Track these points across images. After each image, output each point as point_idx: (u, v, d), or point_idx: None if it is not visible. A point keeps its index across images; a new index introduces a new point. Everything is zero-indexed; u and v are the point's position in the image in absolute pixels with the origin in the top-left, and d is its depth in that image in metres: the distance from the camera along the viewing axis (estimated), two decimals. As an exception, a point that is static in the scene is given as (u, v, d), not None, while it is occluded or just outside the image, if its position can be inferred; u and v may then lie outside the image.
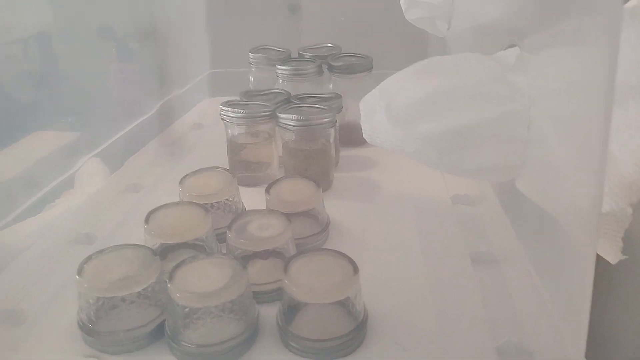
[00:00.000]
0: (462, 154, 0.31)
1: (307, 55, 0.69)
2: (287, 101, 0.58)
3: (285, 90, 0.60)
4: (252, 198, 0.50)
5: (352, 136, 0.65)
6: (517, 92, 0.28)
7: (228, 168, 0.56)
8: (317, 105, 0.53)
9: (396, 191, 0.55)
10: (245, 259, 0.38)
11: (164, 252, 0.40)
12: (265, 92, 0.61)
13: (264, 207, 0.48)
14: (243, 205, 0.49)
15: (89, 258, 0.34)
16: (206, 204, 0.43)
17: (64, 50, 0.58)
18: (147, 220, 0.39)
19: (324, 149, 0.52)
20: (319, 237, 0.44)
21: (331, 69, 0.66)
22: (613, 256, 0.28)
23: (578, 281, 0.23)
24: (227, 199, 0.45)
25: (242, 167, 0.55)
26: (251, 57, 0.69)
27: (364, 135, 0.35)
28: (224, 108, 0.53)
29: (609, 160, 0.23)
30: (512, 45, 0.33)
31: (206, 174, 0.47)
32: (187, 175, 0.47)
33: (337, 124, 0.55)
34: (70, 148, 0.59)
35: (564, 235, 0.27)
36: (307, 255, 0.35)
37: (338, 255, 0.34)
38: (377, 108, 0.33)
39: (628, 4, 0.29)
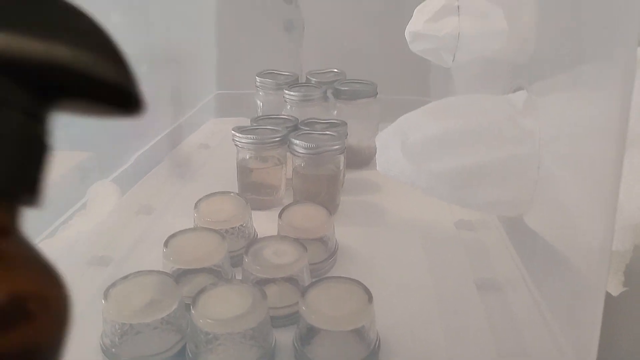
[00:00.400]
0: (473, 191, 0.32)
1: (313, 80, 0.71)
2: (295, 127, 0.59)
3: (293, 117, 0.62)
4: (262, 221, 0.51)
5: (356, 159, 0.67)
6: (528, 135, 0.30)
7: (237, 191, 0.58)
8: (327, 132, 0.55)
9: (401, 216, 0.57)
10: (260, 283, 0.40)
11: (180, 276, 0.41)
12: (274, 117, 0.63)
13: (273, 231, 0.49)
14: (255, 230, 0.50)
15: (113, 285, 0.35)
16: (221, 229, 0.45)
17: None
18: (166, 244, 0.40)
19: (333, 174, 0.54)
20: (327, 263, 0.46)
21: (337, 94, 0.68)
22: (615, 288, 0.29)
23: (588, 314, 0.25)
24: (241, 225, 0.47)
25: (252, 189, 0.57)
26: (258, 81, 0.71)
27: (378, 168, 0.36)
28: (236, 134, 0.55)
29: (615, 203, 0.25)
30: (520, 88, 0.35)
31: (220, 199, 0.48)
32: (201, 199, 0.48)
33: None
34: (82, 169, 0.61)
35: (573, 270, 0.28)
36: (323, 282, 0.36)
37: (353, 283, 0.36)
38: (392, 144, 0.35)
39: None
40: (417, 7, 0.60)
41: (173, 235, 0.41)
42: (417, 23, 0.58)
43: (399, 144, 0.34)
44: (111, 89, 0.13)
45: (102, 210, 0.55)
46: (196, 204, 0.47)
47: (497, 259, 0.48)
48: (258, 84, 0.71)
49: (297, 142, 0.52)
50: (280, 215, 0.46)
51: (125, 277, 0.36)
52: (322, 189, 0.54)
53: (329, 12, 0.87)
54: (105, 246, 0.50)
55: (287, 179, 0.58)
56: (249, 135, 0.54)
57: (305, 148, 0.52)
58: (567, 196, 0.27)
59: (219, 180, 0.65)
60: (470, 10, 0.55)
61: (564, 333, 0.29)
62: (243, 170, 0.56)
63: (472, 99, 0.33)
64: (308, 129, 0.58)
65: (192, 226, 0.47)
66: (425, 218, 0.56)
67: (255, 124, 0.60)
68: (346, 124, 0.61)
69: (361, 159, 0.70)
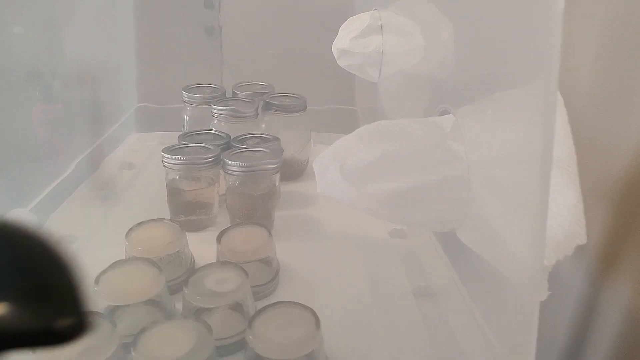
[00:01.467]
0: (409, 211, 0.34)
1: (241, 94, 0.70)
2: (227, 144, 0.58)
3: (224, 133, 0.61)
4: (197, 244, 0.50)
5: (288, 171, 0.67)
6: (456, 158, 0.32)
7: (169, 212, 0.56)
8: (260, 149, 0.55)
9: (336, 228, 0.58)
10: (202, 313, 0.39)
11: (115, 313, 0.39)
12: (203, 133, 0.62)
13: (210, 254, 0.48)
14: (191, 255, 0.49)
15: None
16: (156, 257, 0.43)
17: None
18: (97, 281, 0.38)
19: (269, 192, 0.53)
20: (271, 285, 0.46)
21: (267, 107, 0.68)
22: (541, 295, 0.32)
23: (524, 324, 0.27)
24: (177, 251, 0.45)
25: (184, 211, 0.55)
26: (185, 95, 0.69)
27: (318, 190, 0.37)
28: (165, 155, 0.53)
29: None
30: (446, 112, 0.37)
31: (152, 226, 0.46)
32: (132, 227, 0.46)
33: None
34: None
35: (505, 282, 0.31)
36: (270, 309, 0.36)
37: (300, 308, 0.36)
38: (331, 168, 0.35)
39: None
40: (342, 25, 0.61)
41: (104, 271, 0.39)
42: (343, 40, 0.60)
43: (338, 167, 0.35)
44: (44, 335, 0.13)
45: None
46: (127, 233, 0.45)
47: (430, 267, 0.50)
48: (185, 98, 0.69)
49: (231, 162, 0.51)
50: (218, 240, 0.45)
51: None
52: (258, 208, 0.53)
53: (249, 19, 0.87)
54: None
55: (220, 195, 0.57)
56: (179, 156, 0.52)
57: (240, 167, 0.51)
58: (497, 216, 0.29)
59: (147, 202, 0.62)
60: (392, 28, 0.58)
61: (499, 341, 0.32)
62: (174, 192, 0.55)
63: (404, 123, 0.35)
64: (241, 146, 0.57)
65: (123, 256, 0.45)
66: (360, 229, 0.58)
67: (184, 142, 0.58)
68: (279, 139, 0.61)
69: (294, 171, 0.70)
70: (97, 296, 0.38)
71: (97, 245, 0.52)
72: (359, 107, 0.85)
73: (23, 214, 0.53)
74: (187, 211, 0.55)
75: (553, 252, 0.27)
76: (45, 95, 0.60)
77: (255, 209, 0.53)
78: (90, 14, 0.71)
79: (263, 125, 0.69)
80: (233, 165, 0.51)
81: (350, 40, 0.59)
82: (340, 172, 0.35)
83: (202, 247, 0.50)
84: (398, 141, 0.34)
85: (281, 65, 0.87)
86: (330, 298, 0.45)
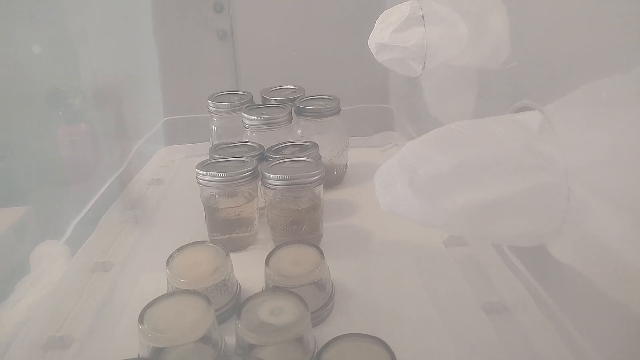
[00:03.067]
0: (495, 226, 0.29)
1: (271, 99, 0.66)
2: (262, 155, 0.54)
3: (257, 144, 0.57)
4: (242, 266, 0.46)
5: (326, 178, 0.63)
6: (550, 163, 0.28)
7: (207, 230, 0.52)
8: (301, 159, 0.51)
9: (385, 237, 0.53)
10: (257, 349, 0.35)
11: (162, 354, 0.35)
12: (236, 145, 0.58)
13: (255, 277, 0.44)
14: (237, 280, 0.45)
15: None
16: (202, 289, 0.39)
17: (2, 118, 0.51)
18: (141, 320, 0.34)
19: (314, 205, 0.49)
20: (326, 309, 0.41)
21: (300, 113, 0.63)
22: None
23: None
24: (224, 279, 0.41)
25: (222, 229, 0.51)
26: (211, 105, 0.65)
27: (382, 207, 0.32)
28: (200, 171, 0.49)
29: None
30: (527, 108, 0.32)
31: (194, 251, 0.43)
32: (172, 254, 0.42)
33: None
34: (19, 227, 0.52)
35: (614, 303, 0.26)
36: (337, 344, 0.32)
37: (372, 341, 0.32)
38: (398, 180, 0.31)
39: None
40: (379, 18, 0.57)
41: (148, 306, 0.35)
42: (382, 34, 0.55)
43: (407, 180, 0.30)
44: None
45: (51, 276, 0.47)
46: (168, 261, 0.41)
47: (497, 278, 0.45)
48: (211, 108, 0.65)
49: (271, 176, 0.47)
50: (267, 262, 0.41)
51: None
52: (303, 223, 0.49)
53: (264, 20, 0.82)
54: (63, 321, 0.42)
55: (259, 209, 0.53)
56: (214, 172, 0.48)
57: (281, 181, 0.47)
58: (610, 231, 0.25)
59: (180, 220, 0.59)
60: (434, 18, 0.53)
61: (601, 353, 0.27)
62: (211, 210, 0.51)
63: (479, 124, 0.30)
64: (278, 156, 0.53)
65: (165, 285, 0.41)
66: (413, 236, 0.53)
67: (216, 155, 0.54)
68: (317, 145, 0.57)
69: (333, 177, 0.66)
70: (143, 336, 0.34)
71: (134, 272, 0.49)
72: (393, 104, 0.80)
73: (51, 244, 0.50)
74: (226, 230, 0.51)
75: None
76: (69, 116, 0.57)
77: (300, 225, 0.49)
78: (108, 30, 0.67)
79: (299, 131, 0.65)
80: (273, 178, 0.47)
81: (390, 34, 0.54)
82: (410, 185, 0.30)
83: (246, 268, 0.46)
84: (477, 145, 0.29)
85: (304, 65, 0.83)
86: (393, 320, 0.41)
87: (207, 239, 0.51)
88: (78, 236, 0.53)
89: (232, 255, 0.50)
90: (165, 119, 0.79)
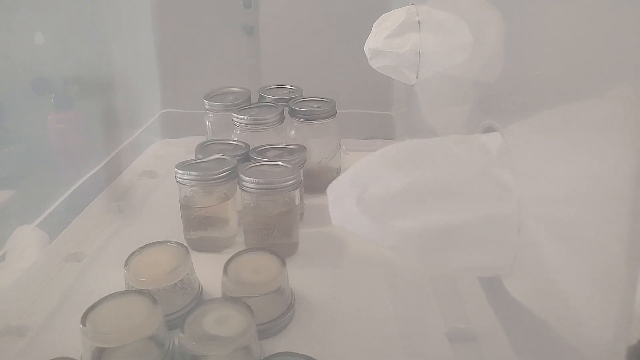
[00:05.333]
0: (445, 254, 0.27)
1: (267, 97, 0.65)
2: (246, 156, 0.53)
3: (243, 143, 0.56)
4: (208, 269, 0.45)
5: (314, 184, 0.61)
6: (506, 192, 0.25)
7: (182, 228, 0.51)
8: (279, 163, 0.49)
9: (364, 251, 0.51)
10: (198, 358, 0.34)
11: (106, 354, 0.34)
12: (222, 143, 0.57)
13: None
14: (199, 283, 0.44)
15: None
16: (155, 289, 0.38)
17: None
18: (83, 321, 0.34)
19: (287, 211, 0.48)
20: (283, 319, 0.40)
21: (293, 114, 0.62)
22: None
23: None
24: (179, 280, 0.40)
25: (198, 227, 0.50)
26: (207, 104, 0.64)
27: (333, 222, 0.31)
28: (178, 170, 0.48)
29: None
30: (492, 128, 0.30)
31: (156, 250, 0.42)
32: (133, 253, 0.41)
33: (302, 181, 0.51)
34: (2, 211, 0.53)
35: (569, 350, 0.24)
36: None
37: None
38: (348, 196, 0.29)
39: None
40: (376, 22, 0.55)
41: (92, 307, 0.35)
42: (376, 39, 0.53)
43: (355, 197, 0.29)
44: None
45: (22, 263, 0.47)
46: (127, 260, 0.40)
47: (472, 304, 0.43)
48: (206, 106, 0.65)
49: (246, 178, 0.46)
50: (225, 270, 0.40)
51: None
52: (274, 228, 0.48)
53: (287, 18, 0.81)
54: (22, 311, 0.42)
55: (239, 211, 0.52)
56: (192, 172, 0.48)
57: (255, 184, 0.46)
58: (560, 269, 0.22)
59: (162, 216, 0.58)
60: (431, 25, 0.51)
61: None
62: (187, 208, 0.50)
63: (438, 143, 0.28)
64: (260, 158, 0.52)
65: (123, 285, 0.41)
66: (390, 252, 0.51)
67: (200, 155, 0.53)
68: (305, 148, 0.56)
69: (322, 182, 0.64)
70: (83, 336, 0.33)
71: (102, 267, 0.48)
72: (394, 112, 0.78)
73: (28, 230, 0.50)
74: (201, 228, 0.50)
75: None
76: (60, 103, 0.57)
77: (271, 230, 0.48)
78: (108, 19, 0.67)
79: (292, 133, 0.64)
80: (248, 181, 0.46)
81: (383, 39, 0.52)
82: (357, 202, 0.29)
83: (213, 271, 0.45)
84: (432, 166, 0.27)
85: (313, 66, 0.82)
86: (350, 338, 0.39)
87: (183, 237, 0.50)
88: (57, 224, 0.53)
89: (205, 257, 0.49)
90: (163, 111, 0.78)
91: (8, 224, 0.51)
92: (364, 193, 0.29)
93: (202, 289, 0.43)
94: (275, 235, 0.48)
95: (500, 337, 0.38)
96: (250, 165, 0.49)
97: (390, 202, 0.28)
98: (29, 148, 0.55)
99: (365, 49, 0.55)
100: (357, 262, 0.50)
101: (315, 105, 0.63)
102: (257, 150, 0.54)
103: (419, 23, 0.51)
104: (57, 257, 0.49)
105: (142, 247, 0.42)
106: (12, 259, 0.48)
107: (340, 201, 0.30)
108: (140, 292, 0.36)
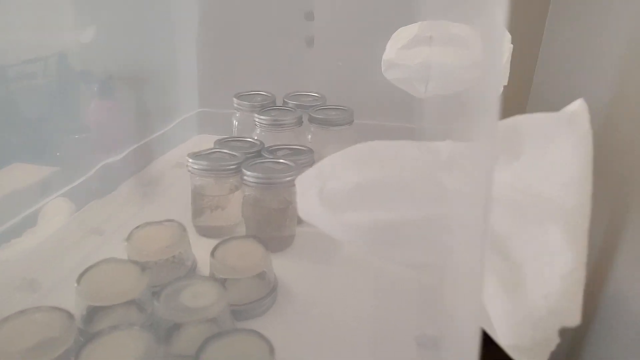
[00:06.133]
0: (391, 249, 0.29)
1: (291, 103, 0.69)
2: (259, 153, 0.57)
3: (259, 141, 0.59)
4: (209, 250, 0.48)
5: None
6: (445, 194, 0.27)
7: (191, 215, 0.55)
8: (282, 161, 0.52)
9: (358, 253, 0.53)
10: (174, 328, 0.37)
11: (95, 312, 0.38)
12: (239, 140, 0.61)
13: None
14: (195, 260, 0.47)
15: (5, 320, 0.33)
16: (150, 261, 0.42)
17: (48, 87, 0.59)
18: (79, 280, 0.38)
19: (282, 207, 0.51)
20: (263, 303, 0.43)
21: (311, 120, 0.65)
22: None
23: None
24: (173, 256, 0.44)
25: (203, 215, 0.54)
26: (235, 102, 0.69)
27: (299, 213, 0.33)
28: (189, 159, 0.52)
29: (519, 288, 0.22)
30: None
31: (156, 228, 0.46)
32: (136, 228, 0.46)
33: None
34: (44, 184, 0.59)
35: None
36: (223, 337, 0.33)
37: (257, 337, 0.33)
38: (311, 188, 0.32)
39: (567, 108, 0.27)
40: (393, 34, 0.57)
41: (89, 269, 0.39)
42: (390, 51, 0.55)
43: (317, 190, 0.31)
44: None
45: (48, 228, 0.53)
46: (129, 234, 0.45)
47: (445, 313, 0.43)
48: (235, 105, 0.69)
49: (248, 173, 0.50)
50: (212, 253, 0.43)
51: (23, 312, 0.34)
52: (270, 221, 0.51)
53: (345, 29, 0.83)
54: (40, 269, 0.48)
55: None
56: (202, 162, 0.52)
57: (255, 178, 0.49)
58: (460, 269, 0.23)
59: (181, 202, 0.63)
60: (442, 40, 0.52)
61: None
62: (196, 196, 0.54)
63: (399, 145, 0.30)
64: (269, 156, 0.55)
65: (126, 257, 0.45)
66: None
67: (216, 147, 0.57)
68: (312, 151, 0.58)
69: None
70: (77, 294, 0.38)
71: (117, 243, 0.53)
72: (416, 124, 0.79)
73: (61, 200, 0.56)
74: (207, 217, 0.54)
75: (531, 331, 0.20)
76: (102, 92, 0.64)
77: (268, 223, 0.51)
78: (156, 19, 0.74)
79: (309, 137, 0.67)
80: (249, 175, 0.49)
81: (397, 50, 0.54)
82: (318, 195, 0.31)
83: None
84: (387, 166, 0.29)
85: (349, 77, 0.84)
86: (322, 331, 0.41)
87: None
88: (85, 200, 0.59)
89: (207, 241, 0.52)
90: (200, 109, 0.84)
91: (48, 195, 0.58)
92: (324, 187, 0.31)
93: (196, 266, 0.47)
94: (271, 228, 0.51)
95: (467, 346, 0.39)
96: (255, 162, 0.52)
97: (345, 196, 0.30)
98: (73, 130, 0.62)
99: (382, 60, 0.57)
100: (347, 262, 0.51)
101: (334, 113, 0.65)
102: (269, 149, 0.57)
103: (430, 38, 0.53)
104: (81, 228, 0.55)
105: (144, 224, 0.46)
106: (42, 225, 0.54)
107: (305, 193, 0.32)
108: (134, 261, 0.40)
